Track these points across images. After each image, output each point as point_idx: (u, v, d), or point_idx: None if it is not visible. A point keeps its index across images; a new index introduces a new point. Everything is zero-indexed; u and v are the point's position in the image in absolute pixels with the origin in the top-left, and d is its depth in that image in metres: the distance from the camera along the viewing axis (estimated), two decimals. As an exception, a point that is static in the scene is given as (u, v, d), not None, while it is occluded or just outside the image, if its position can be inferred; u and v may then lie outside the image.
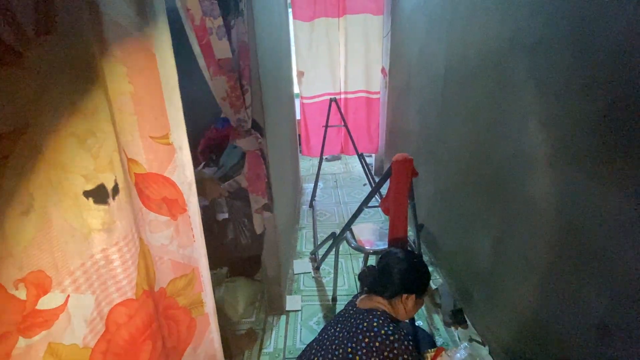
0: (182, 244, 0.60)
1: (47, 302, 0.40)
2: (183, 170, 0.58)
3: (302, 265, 2.17)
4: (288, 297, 1.87)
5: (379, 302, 0.97)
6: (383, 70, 3.30)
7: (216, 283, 1.86)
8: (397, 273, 0.99)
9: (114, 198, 0.46)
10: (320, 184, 3.42)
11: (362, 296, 1.04)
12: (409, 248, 1.41)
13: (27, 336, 0.39)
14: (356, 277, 2.07)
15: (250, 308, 1.82)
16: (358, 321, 0.91)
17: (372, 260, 1.92)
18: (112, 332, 0.49)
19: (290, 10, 3.08)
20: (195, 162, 2.50)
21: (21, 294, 0.38)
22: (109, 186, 0.46)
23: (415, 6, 2.39)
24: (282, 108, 2.28)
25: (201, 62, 1.06)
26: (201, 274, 0.65)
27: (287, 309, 1.80)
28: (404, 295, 0.96)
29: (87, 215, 0.44)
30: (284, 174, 2.16)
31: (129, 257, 0.49)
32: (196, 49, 1.02)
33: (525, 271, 1.23)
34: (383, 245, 1.58)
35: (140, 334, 0.52)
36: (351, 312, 0.98)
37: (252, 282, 1.91)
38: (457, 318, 1.66)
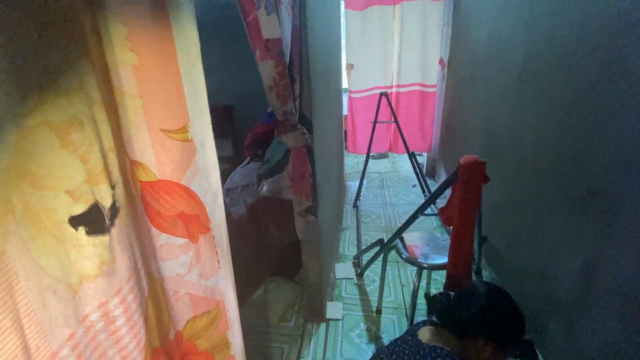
0: (204, 272, 0.45)
1: None
2: (207, 175, 0.43)
3: (344, 270, 2.04)
4: (329, 304, 1.75)
5: (448, 340, 0.80)
6: (441, 61, 3.00)
7: (257, 283, 1.81)
8: (480, 311, 0.79)
9: (113, 222, 0.32)
10: (365, 182, 3.25)
11: (427, 327, 0.87)
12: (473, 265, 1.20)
13: None
14: (403, 288, 1.89)
15: (290, 311, 1.74)
16: (418, 357, 0.76)
17: (424, 274, 1.72)
18: None
19: (342, 2, 2.93)
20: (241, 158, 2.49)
21: None
22: (106, 204, 0.32)
23: (485, -14, 2.09)
24: (330, 102, 2.15)
25: (251, 44, 0.96)
26: (227, 308, 0.50)
27: (327, 316, 1.68)
28: (482, 341, 0.78)
29: (76, 256, 0.30)
30: (329, 172, 2.04)
31: (136, 307, 0.35)
32: (245, 28, 0.91)
33: (624, 308, 0.96)
34: (439, 258, 1.38)
35: None
36: (410, 344, 0.82)
37: (292, 284, 1.83)
38: (525, 351, 1.40)
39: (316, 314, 1.67)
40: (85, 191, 0.30)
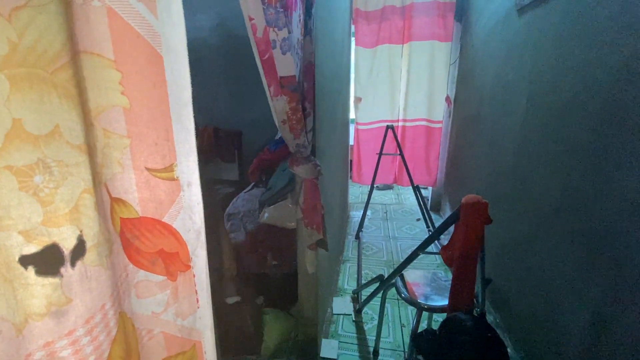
0: (182, 311, 0.44)
1: None
2: (190, 214, 0.43)
3: (342, 305, 1.97)
4: (324, 341, 1.67)
5: None
6: (447, 98, 3.07)
7: (250, 313, 1.75)
8: (463, 347, 0.77)
9: (73, 264, 0.32)
10: (368, 213, 3.22)
11: None
12: (474, 308, 1.15)
13: None
14: (403, 328, 1.80)
15: (283, 346, 1.67)
16: None
17: (425, 315, 1.65)
18: None
19: (353, 38, 3.07)
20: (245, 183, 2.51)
21: None
22: (68, 246, 0.32)
23: (491, 31, 2.18)
24: (336, 134, 2.19)
25: (263, 80, 0.99)
26: (204, 350, 0.49)
27: (321, 355, 1.60)
28: None
29: (23, 295, 0.30)
30: (333, 203, 2.04)
31: (92, 351, 0.34)
32: (259, 65, 0.95)
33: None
34: (440, 300, 1.32)
35: None
36: None
37: (287, 317, 1.76)
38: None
39: (310, 352, 1.59)
40: (40, 232, 0.31)
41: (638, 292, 0.93)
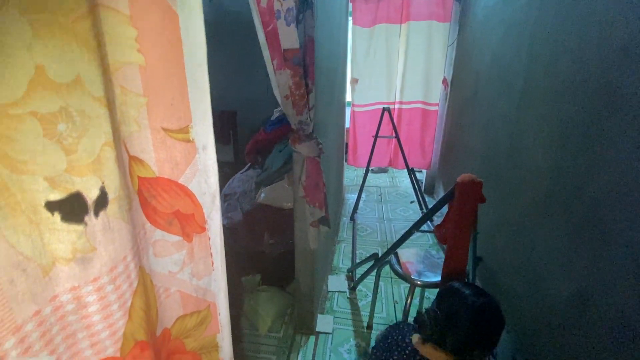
0: (197, 272, 0.46)
1: None
2: (206, 177, 0.43)
3: (337, 283, 2.02)
4: (319, 317, 1.73)
5: (441, 356, 0.79)
6: (444, 81, 3.05)
7: (248, 290, 1.79)
8: (471, 328, 0.77)
9: (97, 214, 0.33)
10: (363, 196, 3.25)
11: (427, 344, 0.84)
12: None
13: None
14: (396, 304, 1.87)
15: (279, 322, 1.72)
16: None
17: (418, 291, 1.71)
18: None
19: (350, 18, 2.99)
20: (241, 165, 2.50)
21: None
22: (90, 196, 0.33)
23: (490, 11, 2.15)
24: (333, 115, 2.18)
25: (265, 53, 0.96)
26: (219, 311, 0.50)
27: (317, 329, 1.66)
28: (477, 352, 0.77)
29: (49, 238, 0.31)
30: (328, 183, 2.05)
31: (115, 299, 0.36)
32: (261, 37, 0.91)
33: (618, 336, 0.95)
34: (434, 276, 1.37)
35: None
36: (408, 351, 0.80)
37: (283, 294, 1.81)
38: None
39: (306, 326, 1.65)
40: (65, 180, 0.31)
41: (620, 272, 0.97)
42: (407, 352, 0.82)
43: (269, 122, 2.35)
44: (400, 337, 0.86)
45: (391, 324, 0.96)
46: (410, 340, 0.85)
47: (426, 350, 0.81)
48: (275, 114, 2.36)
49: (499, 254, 1.78)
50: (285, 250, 1.77)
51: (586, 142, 1.16)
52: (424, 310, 0.89)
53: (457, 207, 1.08)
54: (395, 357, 0.82)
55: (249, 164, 2.37)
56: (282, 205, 1.77)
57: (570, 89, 1.26)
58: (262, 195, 1.83)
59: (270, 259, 1.83)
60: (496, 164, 1.89)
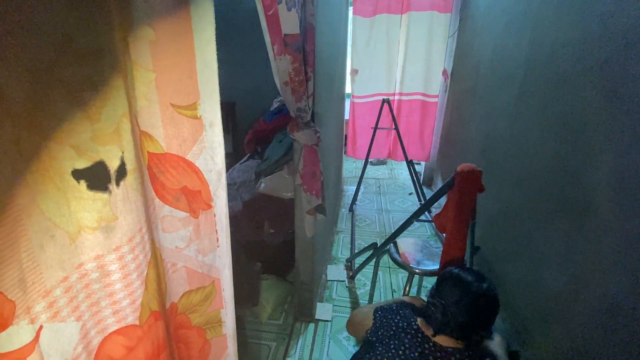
0: (203, 248, 0.47)
1: (7, 341, 0.28)
2: (212, 154, 0.44)
3: (336, 272, 2.05)
4: (319, 305, 1.75)
5: (448, 340, 0.81)
6: (445, 72, 3.04)
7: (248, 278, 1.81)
8: (475, 314, 0.78)
9: (118, 184, 0.34)
10: (362, 187, 3.26)
11: (423, 321, 0.87)
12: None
13: None
14: (394, 293, 1.90)
15: (279, 309, 1.74)
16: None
17: (416, 280, 1.73)
18: None
19: (350, 7, 2.96)
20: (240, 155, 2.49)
21: None
22: (113, 165, 0.33)
23: (492, 2, 2.13)
24: (332, 105, 2.17)
25: (267, 38, 0.95)
26: (223, 287, 0.52)
27: (316, 317, 1.68)
28: (480, 334, 0.80)
29: (76, 207, 0.32)
30: (327, 174, 2.06)
31: (134, 268, 0.37)
32: (263, 22, 0.91)
33: (610, 323, 0.98)
34: (432, 265, 1.39)
35: None
36: (427, 346, 0.81)
37: (283, 283, 1.83)
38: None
39: (306, 314, 1.67)
40: (90, 148, 0.32)
41: (616, 260, 0.99)
42: (418, 338, 0.83)
43: (268, 113, 2.34)
44: (405, 324, 0.88)
45: (381, 307, 0.96)
46: (418, 325, 0.86)
47: (439, 338, 0.83)
48: (275, 105, 2.35)
49: (497, 244, 1.81)
50: (285, 240, 1.78)
51: (585, 132, 1.17)
52: (426, 301, 0.90)
53: (456, 196, 1.09)
54: (406, 344, 0.83)
55: (248, 154, 2.37)
56: (282, 195, 1.78)
57: (571, 78, 1.26)
58: (262, 185, 1.83)
59: (270, 248, 1.84)
60: (495, 154, 1.90)
